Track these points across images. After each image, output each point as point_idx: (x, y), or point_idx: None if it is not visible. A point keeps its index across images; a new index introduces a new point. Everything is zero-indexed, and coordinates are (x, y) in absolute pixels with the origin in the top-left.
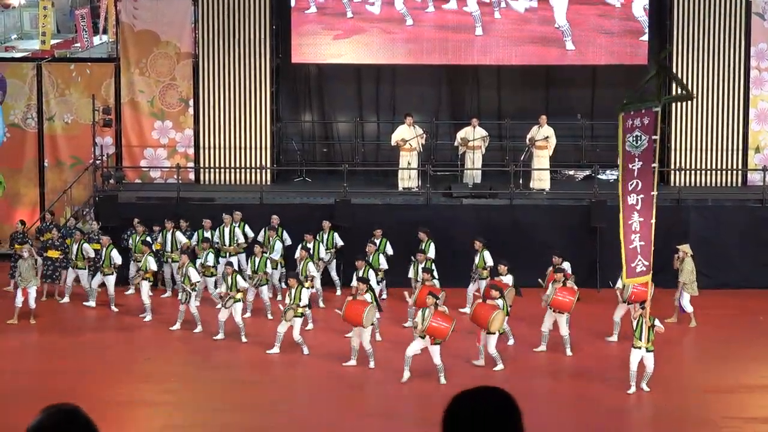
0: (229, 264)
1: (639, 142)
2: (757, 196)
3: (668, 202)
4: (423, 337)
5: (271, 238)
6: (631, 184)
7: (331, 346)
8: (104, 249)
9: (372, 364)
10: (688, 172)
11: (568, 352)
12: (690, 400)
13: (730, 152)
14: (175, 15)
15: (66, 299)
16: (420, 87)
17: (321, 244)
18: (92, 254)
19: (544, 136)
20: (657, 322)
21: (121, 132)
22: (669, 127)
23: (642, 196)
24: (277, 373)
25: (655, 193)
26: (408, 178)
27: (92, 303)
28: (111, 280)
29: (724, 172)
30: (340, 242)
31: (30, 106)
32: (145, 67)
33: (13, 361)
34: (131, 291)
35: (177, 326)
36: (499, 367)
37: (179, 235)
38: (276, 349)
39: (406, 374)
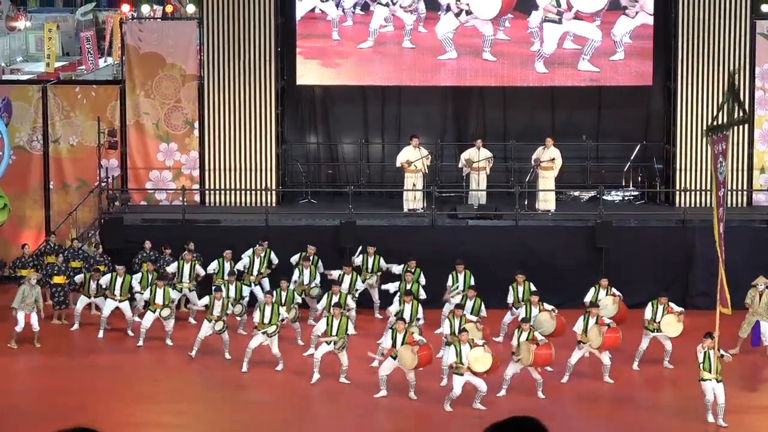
0: (269, 293)
1: (722, 168)
2: (763, 217)
3: (673, 223)
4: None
5: (306, 268)
6: (720, 211)
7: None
8: (121, 278)
9: (412, 394)
10: (693, 193)
11: (606, 378)
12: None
13: (735, 173)
14: (180, 37)
15: (76, 326)
16: (425, 108)
17: (359, 274)
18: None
19: (550, 157)
20: (723, 352)
21: (127, 154)
22: (674, 148)
23: (723, 223)
24: (285, 394)
25: (716, 225)
26: (413, 200)
27: (101, 333)
28: (126, 306)
29: (729, 192)
30: (385, 265)
31: (35, 129)
32: (150, 89)
33: (21, 382)
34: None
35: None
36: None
37: (198, 268)
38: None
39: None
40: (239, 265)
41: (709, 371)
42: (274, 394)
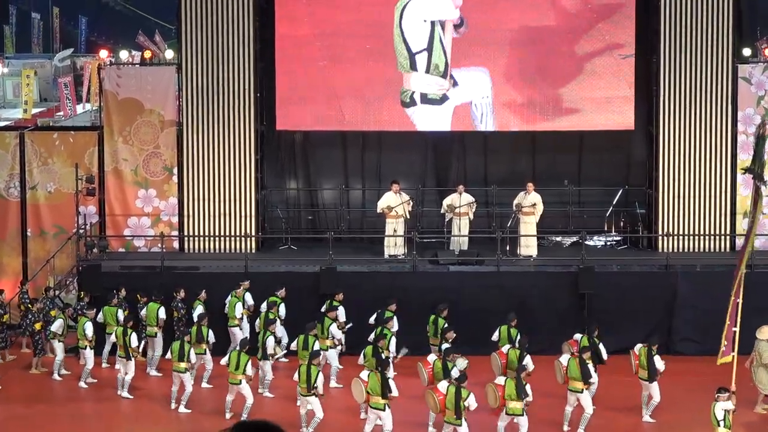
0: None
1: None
2: (747, 261)
3: (656, 268)
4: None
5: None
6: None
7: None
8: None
9: None
10: (675, 237)
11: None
12: None
13: (718, 217)
14: (158, 83)
15: (56, 377)
16: (406, 154)
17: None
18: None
19: (531, 203)
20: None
21: (105, 201)
22: (656, 192)
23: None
24: None
25: (743, 270)
26: (394, 246)
27: (84, 383)
28: (90, 353)
29: (712, 237)
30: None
31: (13, 175)
32: (128, 135)
33: None
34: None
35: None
36: None
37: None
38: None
39: None
40: (226, 309)
41: (725, 426)
42: None
